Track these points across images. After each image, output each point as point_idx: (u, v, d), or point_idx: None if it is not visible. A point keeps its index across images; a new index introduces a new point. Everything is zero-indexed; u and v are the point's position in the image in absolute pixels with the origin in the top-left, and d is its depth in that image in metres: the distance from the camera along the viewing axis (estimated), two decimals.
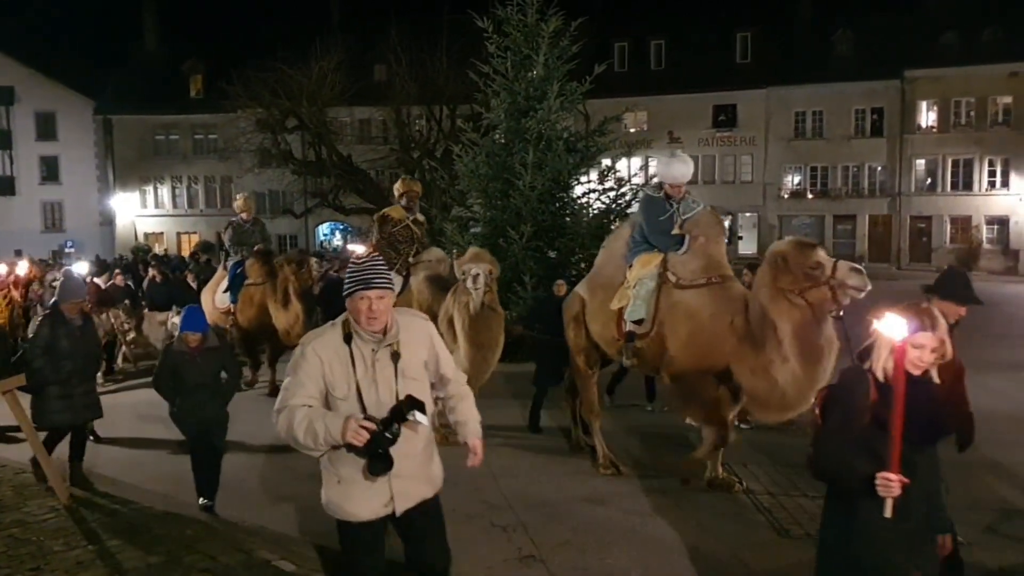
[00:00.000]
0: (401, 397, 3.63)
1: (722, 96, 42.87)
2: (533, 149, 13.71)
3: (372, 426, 3.50)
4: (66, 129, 46.12)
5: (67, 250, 35.70)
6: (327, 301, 12.38)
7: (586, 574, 5.68)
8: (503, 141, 14.65)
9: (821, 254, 6.21)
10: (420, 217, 10.10)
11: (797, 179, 43.69)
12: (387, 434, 3.54)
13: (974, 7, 38.60)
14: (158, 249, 42.43)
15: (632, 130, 37.36)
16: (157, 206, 48.63)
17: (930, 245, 40.76)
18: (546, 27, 13.84)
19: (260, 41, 38.30)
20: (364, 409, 3.64)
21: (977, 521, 6.11)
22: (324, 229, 48.18)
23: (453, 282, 8.58)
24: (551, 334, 8.68)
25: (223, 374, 6.97)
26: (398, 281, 8.89)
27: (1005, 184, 39.51)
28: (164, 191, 48.55)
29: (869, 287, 5.99)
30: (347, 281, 3.74)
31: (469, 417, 4.17)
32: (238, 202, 13.30)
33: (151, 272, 17.12)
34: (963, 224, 40.32)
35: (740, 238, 43.60)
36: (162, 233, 48.31)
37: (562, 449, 8.53)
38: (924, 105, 40.59)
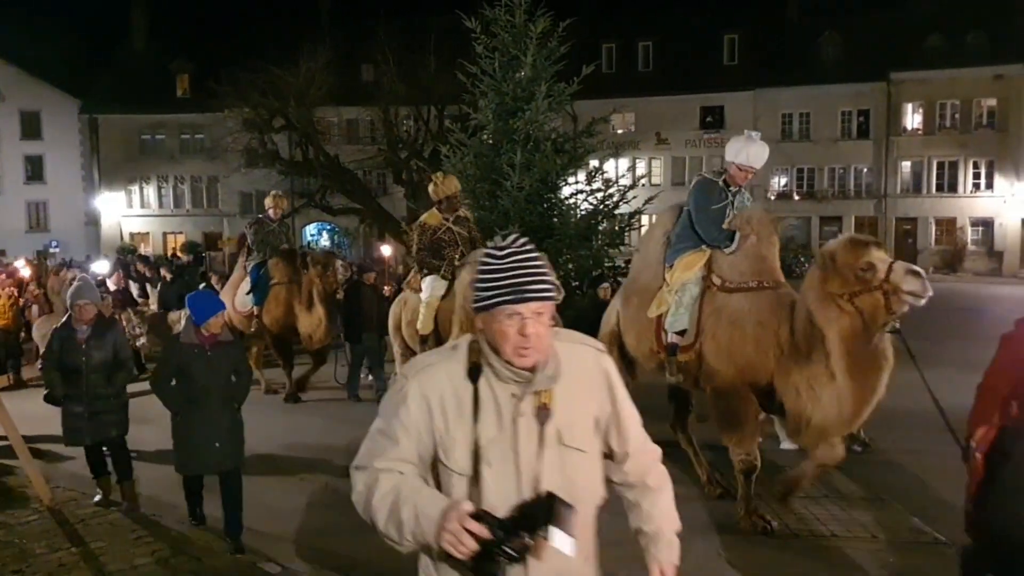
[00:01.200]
0: (543, 487, 2.25)
1: (709, 98, 43.01)
2: (521, 150, 13.69)
3: (484, 531, 2.08)
4: (51, 128, 45.87)
5: (52, 250, 35.52)
6: (347, 309, 11.82)
7: None
8: (491, 142, 14.61)
9: (875, 253, 5.45)
10: (463, 213, 9.33)
11: (784, 181, 43.85)
12: (505, 548, 2.10)
13: (959, 10, 38.82)
14: (143, 249, 42.21)
15: (620, 131, 37.40)
16: (143, 206, 48.41)
17: (916, 247, 40.96)
18: (534, 28, 13.81)
19: (248, 41, 38.20)
20: (481, 495, 2.28)
21: None
22: (311, 230, 48.05)
23: None
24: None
25: (232, 377, 6.15)
26: (442, 285, 8.63)
27: (989, 186, 39.77)
28: (150, 191, 48.34)
29: (930, 294, 5.26)
30: (480, 286, 2.35)
31: (663, 525, 2.79)
32: (269, 199, 12.61)
33: (162, 272, 16.75)
34: (948, 226, 40.56)
35: None
36: (148, 233, 48.10)
37: None
38: (910, 107, 40.84)
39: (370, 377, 11.81)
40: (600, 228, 14.96)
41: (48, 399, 7.16)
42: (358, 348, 11.68)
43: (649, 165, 42.06)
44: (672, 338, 6.52)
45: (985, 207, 39.72)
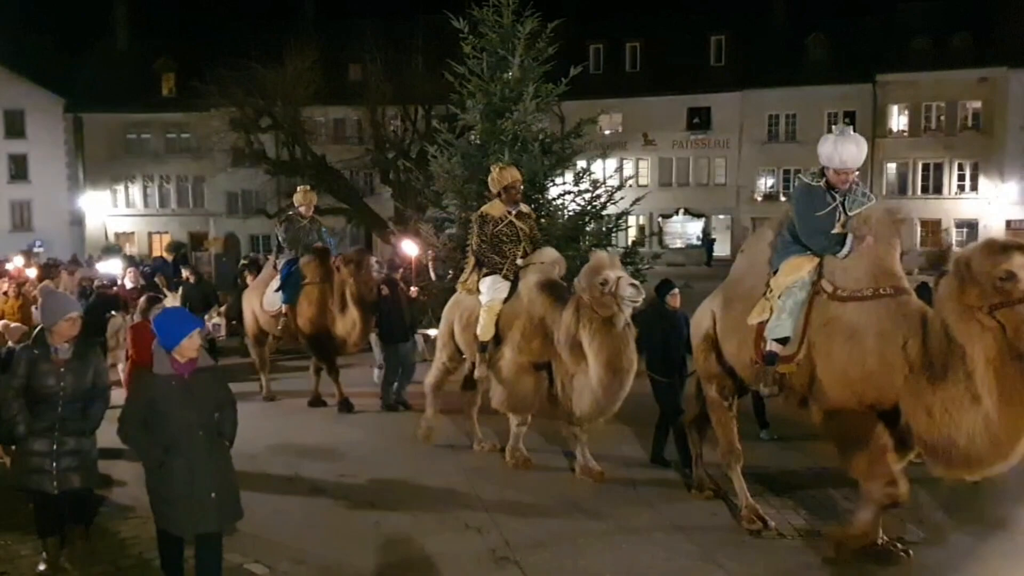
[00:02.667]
0: None
1: (696, 99, 43.08)
2: (509, 150, 13.69)
3: None
4: (35, 127, 45.51)
5: (36, 250, 35.21)
6: (384, 310, 10.87)
7: (560, 575, 5.69)
8: (478, 142, 14.62)
9: (1017, 260, 4.74)
10: (525, 208, 8.68)
11: (770, 182, 43.97)
12: None
13: (944, 13, 39.03)
14: (128, 249, 41.96)
15: (607, 132, 37.43)
16: (128, 205, 48.08)
17: (901, 247, 41.16)
18: (522, 28, 13.82)
19: (233, 39, 37.98)
20: None
21: None
22: None
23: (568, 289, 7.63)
24: (665, 354, 7.70)
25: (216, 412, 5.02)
26: (505, 287, 8.01)
27: (974, 188, 40.03)
28: (135, 190, 48.03)
29: None
30: None
31: None
32: (298, 195, 11.96)
33: (184, 273, 15.89)
34: (933, 227, 40.76)
35: (713, 240, 43.90)
36: (133, 233, 47.79)
37: (536, 450, 8.52)
38: (895, 109, 41.04)
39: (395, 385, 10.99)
40: (588, 229, 14.98)
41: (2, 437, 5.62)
42: (394, 351, 10.95)
43: (636, 166, 42.10)
44: (772, 346, 5.88)
45: (970, 209, 39.96)
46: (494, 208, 8.35)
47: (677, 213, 44.21)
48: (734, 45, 42.91)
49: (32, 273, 15.80)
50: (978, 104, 39.58)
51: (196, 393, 4.83)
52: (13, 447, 5.58)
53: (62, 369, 5.46)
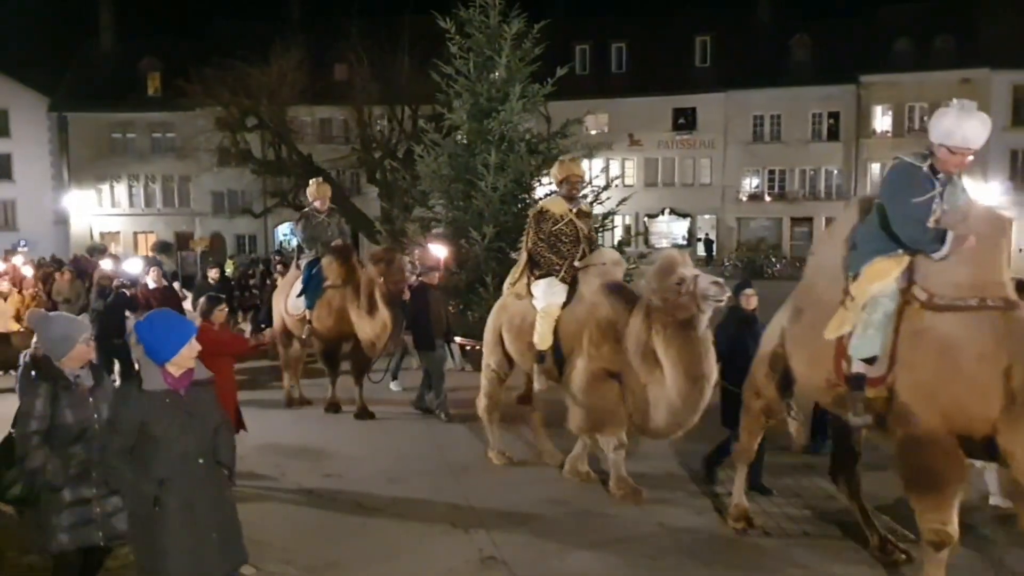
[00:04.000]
0: None
1: (682, 99, 43.21)
2: (495, 150, 13.72)
3: None
4: (19, 126, 45.20)
5: (20, 249, 34.96)
6: (415, 313, 10.33)
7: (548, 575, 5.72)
8: (465, 142, 14.65)
9: None
10: (586, 207, 8.09)
11: (755, 182, 44.16)
12: None
13: (927, 15, 39.33)
14: (114, 249, 41.71)
15: (593, 132, 37.50)
16: (113, 205, 47.80)
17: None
18: (508, 29, 13.86)
19: (219, 39, 37.90)
20: None
21: None
22: (283, 229, 47.72)
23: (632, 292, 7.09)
24: (741, 362, 6.58)
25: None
26: (562, 291, 7.34)
27: None
28: (121, 190, 47.76)
29: None
30: None
31: None
32: (311, 189, 11.30)
33: (209, 273, 15.33)
34: None
35: (699, 240, 44.07)
36: (118, 232, 47.51)
37: (523, 449, 8.54)
38: (879, 110, 41.28)
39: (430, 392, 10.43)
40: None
41: (27, 496, 4.47)
42: (432, 356, 10.34)
43: (622, 166, 42.21)
44: (858, 367, 5.01)
45: None
46: (555, 204, 7.67)
47: (663, 213, 44.36)
48: (719, 46, 43.07)
49: (29, 272, 15.41)
50: None
51: (194, 413, 4.06)
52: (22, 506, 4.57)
53: (91, 398, 4.53)
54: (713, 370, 6.22)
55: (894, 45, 39.61)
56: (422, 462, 8.26)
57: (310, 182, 11.58)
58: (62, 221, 46.36)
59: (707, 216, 44.54)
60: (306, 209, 11.34)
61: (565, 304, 7.28)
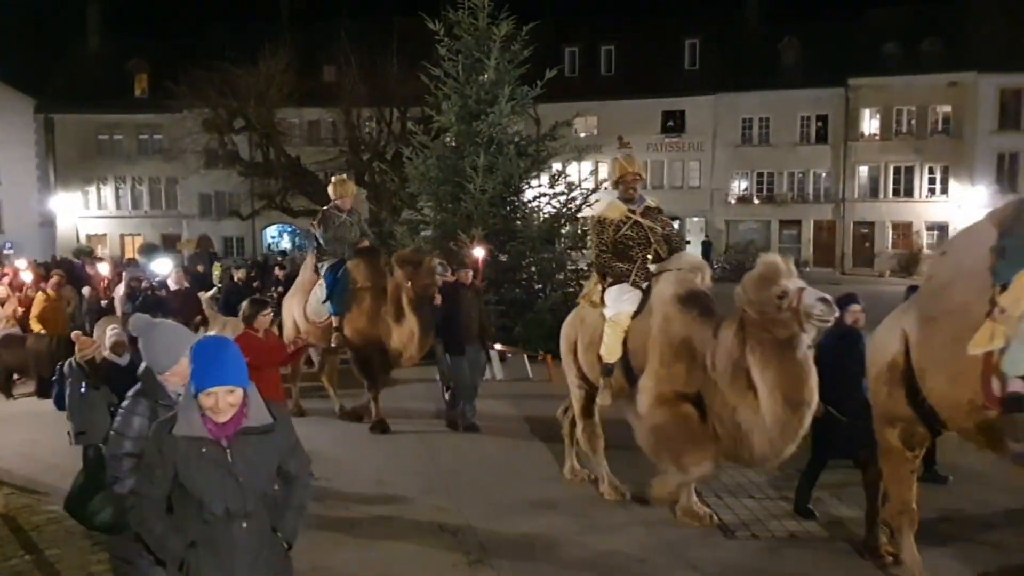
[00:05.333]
0: None
1: (671, 102, 43.29)
2: (484, 153, 13.72)
3: None
4: (4, 127, 44.80)
5: (5, 251, 34.74)
6: (445, 316, 9.47)
7: None
8: (454, 144, 14.65)
9: None
10: (653, 203, 7.12)
11: (744, 185, 44.28)
12: None
13: (915, 19, 39.56)
14: (100, 252, 41.48)
15: (582, 135, 37.53)
16: (100, 207, 47.60)
17: (872, 250, 41.64)
18: (497, 31, 13.86)
19: (207, 40, 37.81)
20: None
21: None
22: (272, 232, 47.62)
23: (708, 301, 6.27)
24: (846, 385, 6.03)
25: (277, 484, 3.47)
26: (634, 297, 6.60)
27: (944, 191, 40.49)
28: (107, 192, 47.55)
29: None
30: None
31: None
32: (333, 187, 10.42)
33: (236, 275, 14.78)
34: (904, 230, 41.21)
35: (688, 242, 44.11)
36: (105, 235, 47.31)
37: (512, 452, 8.51)
38: (867, 113, 41.46)
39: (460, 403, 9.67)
40: (563, 231, 15.03)
41: (117, 523, 3.80)
42: (460, 362, 9.56)
43: (611, 168, 42.22)
44: (1016, 386, 4.40)
45: (940, 212, 40.40)
46: (612, 210, 6.97)
47: None
48: (708, 49, 43.19)
49: (29, 277, 14.85)
50: (948, 108, 40.09)
51: (240, 466, 3.23)
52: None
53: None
54: (815, 396, 5.39)
55: (882, 48, 39.79)
56: (410, 465, 8.22)
57: (332, 179, 10.74)
58: (48, 223, 46.10)
59: (696, 219, 44.62)
60: (326, 208, 10.41)
61: (636, 313, 6.53)
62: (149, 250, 39.20)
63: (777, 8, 43.74)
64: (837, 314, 5.22)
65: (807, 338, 5.27)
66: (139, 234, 46.41)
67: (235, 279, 14.78)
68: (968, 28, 38.13)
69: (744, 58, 41.67)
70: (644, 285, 6.64)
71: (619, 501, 6.87)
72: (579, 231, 14.80)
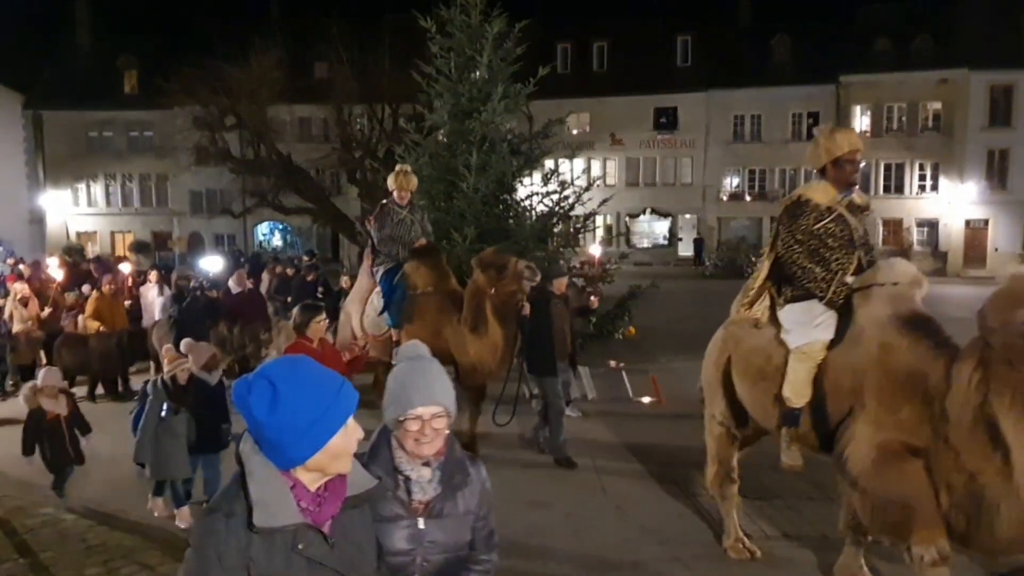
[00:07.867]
0: None
1: (663, 99, 43.38)
2: (477, 151, 13.69)
3: None
4: None
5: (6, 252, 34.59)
6: (533, 329, 8.29)
7: None
8: (446, 142, 14.60)
9: None
10: (860, 199, 5.30)
11: (736, 181, 44.38)
12: None
13: (906, 16, 39.76)
14: (90, 249, 41.34)
15: (575, 132, 37.56)
16: (90, 204, 47.45)
17: None
18: (490, 28, 13.82)
19: (197, 37, 37.60)
20: None
21: None
22: (263, 229, 47.54)
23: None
24: None
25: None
26: (831, 322, 4.97)
27: (935, 188, 40.66)
28: (97, 189, 47.40)
29: None
30: None
31: None
32: (393, 178, 9.00)
33: (277, 269, 13.82)
34: (895, 226, 41.35)
35: (680, 240, 44.26)
36: (95, 232, 47.17)
37: (506, 450, 8.50)
38: (858, 110, 41.57)
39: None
40: (556, 230, 15.03)
41: None
42: (552, 383, 8.44)
43: (604, 166, 42.36)
44: None
45: (930, 208, 40.60)
46: (819, 191, 5.15)
47: (644, 213, 44.51)
48: (700, 46, 43.28)
49: (59, 275, 14.39)
50: (938, 105, 40.25)
51: (339, 557, 2.22)
52: None
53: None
54: None
55: (873, 45, 39.96)
56: None
57: (396, 168, 9.19)
58: (37, 220, 45.91)
59: (688, 216, 44.71)
60: (384, 202, 9.09)
61: (834, 342, 4.92)
62: (140, 247, 39.14)
63: (769, 5, 43.82)
64: None
65: None
66: (129, 231, 46.31)
67: (285, 273, 13.76)
68: (959, 25, 38.31)
69: (736, 55, 41.77)
70: (839, 302, 4.97)
71: (746, 559, 5.81)
72: (572, 229, 14.81)
